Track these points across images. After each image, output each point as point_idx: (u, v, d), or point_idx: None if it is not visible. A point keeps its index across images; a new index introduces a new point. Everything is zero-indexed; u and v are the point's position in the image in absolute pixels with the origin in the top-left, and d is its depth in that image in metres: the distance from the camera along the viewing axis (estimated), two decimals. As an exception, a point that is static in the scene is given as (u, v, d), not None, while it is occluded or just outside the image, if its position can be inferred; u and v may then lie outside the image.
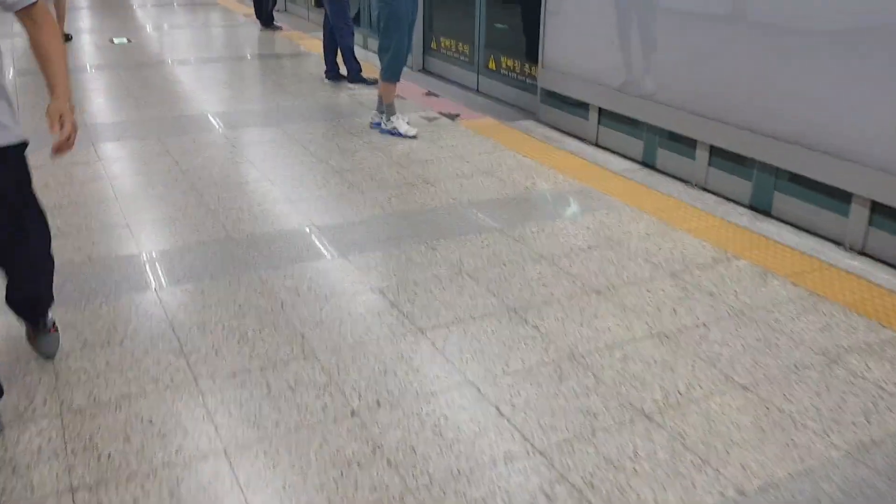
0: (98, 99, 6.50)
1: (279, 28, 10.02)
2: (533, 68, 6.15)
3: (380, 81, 5.56)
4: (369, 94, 6.68)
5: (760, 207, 4.13)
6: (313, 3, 7.43)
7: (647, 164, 4.88)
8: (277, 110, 6.21)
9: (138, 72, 7.49)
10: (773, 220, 4.02)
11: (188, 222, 3.96)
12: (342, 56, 6.96)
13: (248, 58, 8.54)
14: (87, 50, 8.65)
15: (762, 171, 4.11)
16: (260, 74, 7.61)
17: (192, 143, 5.28)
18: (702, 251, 3.62)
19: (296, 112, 6.16)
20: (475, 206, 4.20)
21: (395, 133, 5.49)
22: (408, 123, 5.57)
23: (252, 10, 11.45)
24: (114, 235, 3.79)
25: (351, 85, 6.99)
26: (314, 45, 9.00)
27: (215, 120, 5.89)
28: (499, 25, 6.69)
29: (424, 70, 7.86)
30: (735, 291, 3.23)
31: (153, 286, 3.28)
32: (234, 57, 8.55)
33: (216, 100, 6.59)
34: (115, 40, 9.12)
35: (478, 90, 6.98)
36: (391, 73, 5.44)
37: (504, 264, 3.48)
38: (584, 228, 3.89)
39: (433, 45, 7.70)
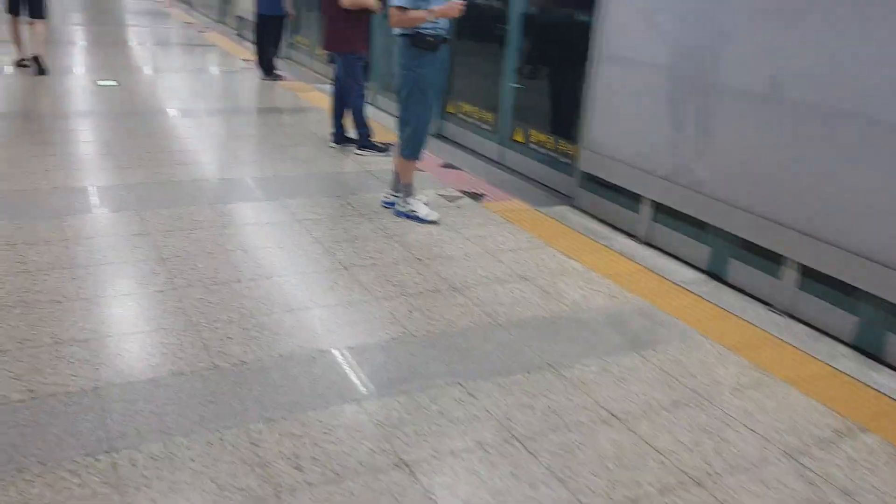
0: (72, 156, 5.71)
1: (280, 77, 9.34)
2: (569, 146, 5.44)
3: (397, 157, 4.83)
4: (379, 164, 5.95)
5: (869, 350, 3.38)
6: (326, 59, 6.70)
7: (716, 275, 4.13)
8: (277, 179, 5.46)
9: (122, 123, 6.73)
10: (888, 370, 3.26)
11: (162, 341, 3.16)
12: (352, 118, 6.25)
13: (246, 111, 7.82)
14: (69, 93, 7.89)
15: (871, 305, 3.36)
16: (258, 132, 6.88)
17: (177, 220, 4.50)
18: (816, 416, 2.85)
19: (298, 183, 5.41)
20: (517, 328, 3.43)
21: (412, 217, 4.75)
22: (426, 204, 4.83)
23: (252, 56, 10.82)
24: (66, 357, 2.98)
25: (360, 151, 6.26)
26: (317, 98, 8.31)
27: (205, 189, 5.13)
28: (529, 94, 6.00)
29: (440, 135, 7.15)
30: (876, 489, 2.46)
31: (106, 446, 2.47)
32: (231, 109, 7.82)
33: (208, 162, 5.84)
34: (102, 83, 8.38)
35: (501, 164, 6.26)
36: (411, 151, 4.71)
37: (567, 427, 2.70)
38: (659, 371, 3.12)
39: (451, 109, 7.00)
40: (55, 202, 4.66)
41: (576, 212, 5.13)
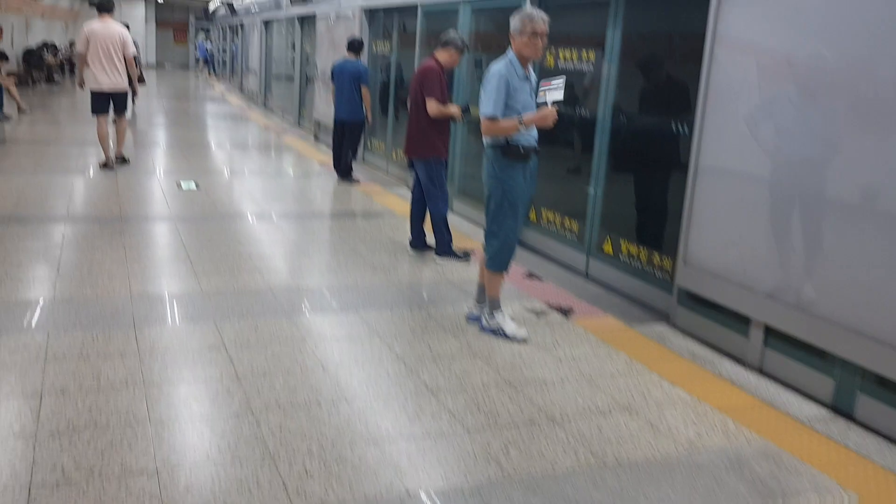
0: (151, 261, 5.65)
1: (357, 181, 9.34)
2: (665, 260, 5.13)
3: (483, 270, 4.59)
4: (460, 272, 5.73)
5: None
6: (407, 164, 6.61)
7: (841, 410, 3.69)
8: (355, 288, 5.26)
9: (201, 227, 6.71)
10: None
11: (236, 473, 2.89)
12: (432, 224, 6.07)
13: (323, 215, 7.75)
14: (151, 195, 7.98)
15: None
16: (335, 237, 6.76)
17: (254, 333, 4.30)
18: None
19: (377, 293, 5.20)
20: (628, 471, 3.05)
21: (499, 333, 4.46)
22: (512, 319, 4.55)
23: (327, 158, 10.93)
24: (134, 492, 2.73)
25: (439, 259, 6.05)
26: (394, 202, 8.23)
27: (283, 298, 4.95)
28: (619, 203, 5.76)
29: (520, 242, 6.92)
30: None
31: None
32: (308, 213, 7.77)
33: (285, 269, 5.70)
34: (183, 185, 8.48)
35: (587, 275, 5.97)
36: (499, 264, 4.47)
37: None
38: (798, 532, 2.69)
39: (532, 217, 6.79)
40: (132, 310, 4.53)
41: (675, 332, 4.76)
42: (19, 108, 14.20)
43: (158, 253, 5.85)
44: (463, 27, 7.67)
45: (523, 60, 4.31)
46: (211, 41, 33.67)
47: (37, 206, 7.07)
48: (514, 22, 4.28)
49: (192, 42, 36.91)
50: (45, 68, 21.79)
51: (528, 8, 4.27)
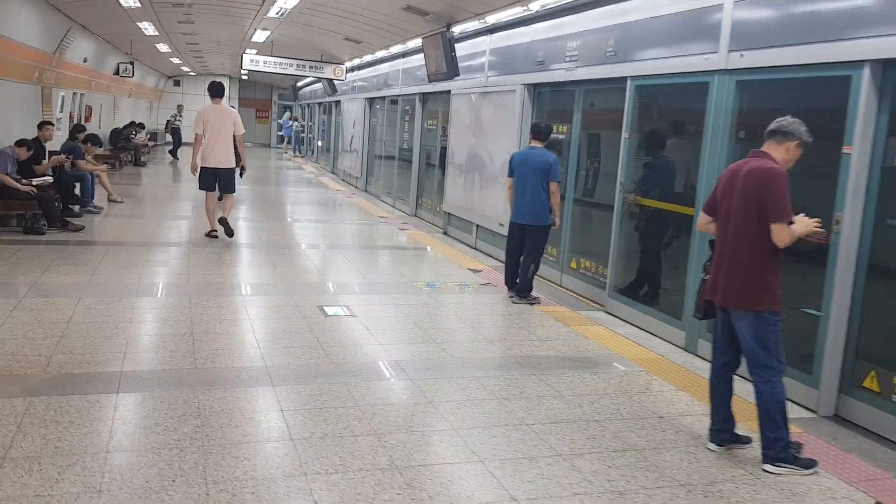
0: (340, 474, 3.59)
1: (537, 300, 7.26)
2: None
3: None
4: (819, 494, 3.54)
5: None
6: (695, 313, 4.42)
7: None
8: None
9: (381, 392, 4.69)
10: None
11: None
12: (760, 411, 3.89)
13: (536, 364, 5.41)
14: (292, 328, 5.98)
15: None
16: (578, 411, 4.59)
17: None
18: None
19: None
20: None
21: None
22: None
23: (476, 263, 9.03)
24: None
25: (772, 467, 3.87)
26: (610, 340, 6.15)
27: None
28: None
29: (837, 417, 4.75)
30: None
31: None
32: (513, 361, 5.50)
33: (543, 488, 3.56)
34: (329, 310, 6.52)
35: None
36: None
37: None
38: None
39: (867, 382, 4.60)
40: None
41: None
42: (110, 199, 12.67)
43: (346, 455, 3.76)
44: (718, 107, 5.65)
45: None
46: (296, 119, 32.68)
47: (154, 356, 5.16)
48: None
49: (274, 121, 36.10)
50: (132, 149, 20.62)
51: None
